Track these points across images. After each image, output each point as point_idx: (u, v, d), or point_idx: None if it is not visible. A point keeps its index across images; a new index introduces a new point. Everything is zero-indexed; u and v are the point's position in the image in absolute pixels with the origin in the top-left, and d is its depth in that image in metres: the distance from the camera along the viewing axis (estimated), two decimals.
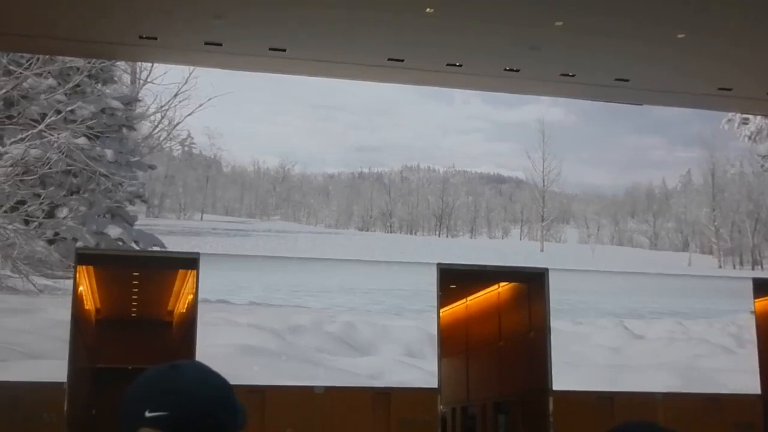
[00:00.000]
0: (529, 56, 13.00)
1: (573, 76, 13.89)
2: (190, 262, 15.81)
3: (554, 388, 15.84)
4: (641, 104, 17.38)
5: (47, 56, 17.44)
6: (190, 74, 17.08)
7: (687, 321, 18.55)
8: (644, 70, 13.66)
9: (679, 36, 12.02)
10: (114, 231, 17.71)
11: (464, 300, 20.56)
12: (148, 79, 18.89)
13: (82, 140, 17.54)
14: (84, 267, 16.81)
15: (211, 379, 1.80)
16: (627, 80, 14.10)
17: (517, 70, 13.69)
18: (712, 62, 13.20)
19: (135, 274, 18.08)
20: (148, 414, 1.71)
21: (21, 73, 17.48)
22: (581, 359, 17.07)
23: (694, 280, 20.61)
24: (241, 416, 1.82)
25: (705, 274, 20.16)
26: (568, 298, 17.64)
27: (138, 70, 19.09)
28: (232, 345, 15.14)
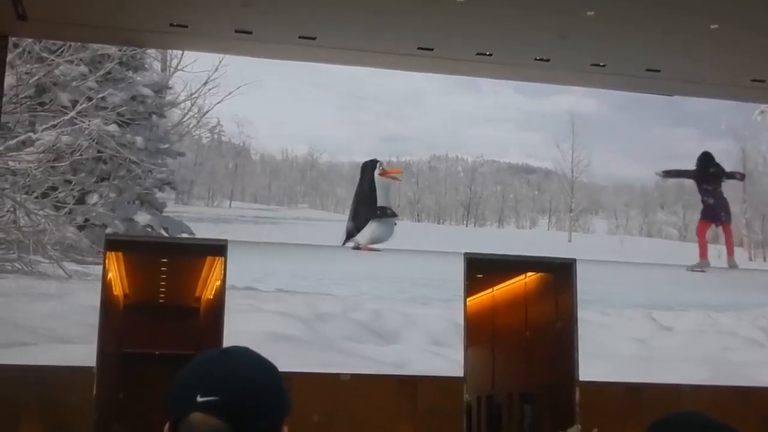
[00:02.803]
0: (560, 46, 12.92)
1: (604, 66, 13.80)
2: (218, 248, 15.88)
3: (581, 378, 15.80)
4: (672, 95, 17.23)
5: (79, 44, 17.55)
6: (220, 62, 17.17)
7: (716, 313, 18.40)
8: (676, 60, 13.55)
9: (713, 27, 11.90)
10: (143, 218, 17.80)
11: (491, 289, 20.53)
12: (179, 67, 18.99)
13: (112, 127, 17.64)
14: (113, 253, 16.93)
15: (262, 364, 1.82)
16: (658, 71, 13.98)
17: (547, 60, 13.62)
18: (746, 53, 13.07)
19: (163, 260, 18.20)
20: (199, 399, 1.72)
21: (53, 60, 17.61)
22: (608, 350, 17.00)
23: (723, 272, 20.43)
24: (289, 402, 1.85)
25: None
26: (595, 289, 17.56)
27: (168, 57, 19.15)
28: (260, 332, 15.21)
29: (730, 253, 18.85)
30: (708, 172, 18.81)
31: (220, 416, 1.71)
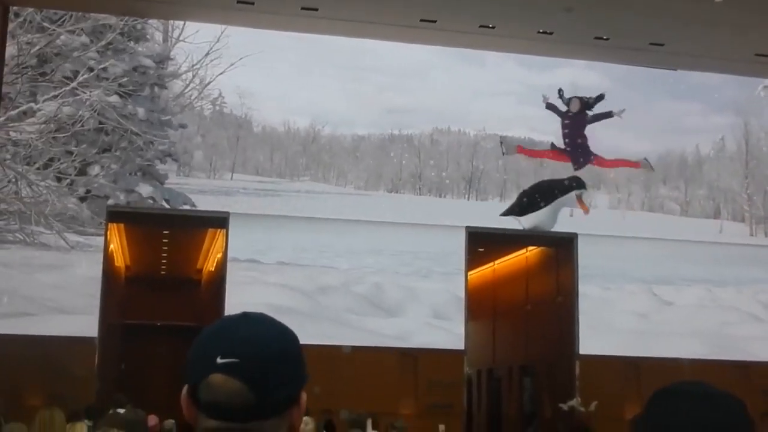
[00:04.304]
0: (563, 19, 12.85)
1: (607, 39, 13.75)
2: (220, 221, 15.91)
3: (581, 352, 15.85)
4: (676, 69, 17.16)
5: (80, 13, 17.46)
6: (222, 33, 16.97)
7: (717, 288, 18.42)
8: (680, 34, 13.48)
9: (717, 0, 11.83)
10: (145, 189, 17.75)
11: (492, 263, 20.56)
12: (180, 38, 18.80)
13: (114, 98, 17.56)
14: (115, 224, 16.95)
15: (282, 330, 1.83)
16: (662, 45, 13.93)
17: (551, 33, 13.56)
18: (750, 28, 13.00)
19: (165, 232, 18.21)
20: (219, 360, 1.73)
21: (54, 30, 17.52)
22: (609, 324, 17.04)
23: (724, 248, 20.42)
24: (306, 370, 1.86)
25: (736, 241, 19.80)
26: (596, 264, 17.56)
27: (170, 28, 18.98)
28: (261, 304, 15.23)
29: (631, 164, 18.58)
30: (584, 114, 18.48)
31: (240, 378, 1.72)
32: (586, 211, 18.10)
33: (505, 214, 17.69)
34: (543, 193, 17.77)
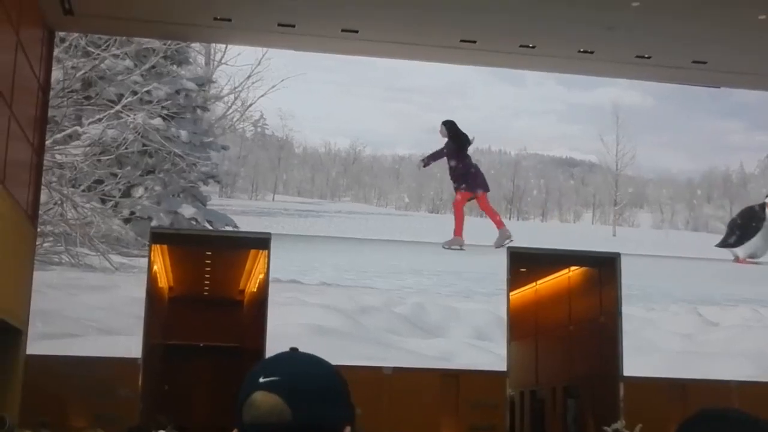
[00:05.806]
0: (604, 38, 12.81)
1: (649, 58, 13.66)
2: (262, 242, 15.99)
3: (625, 373, 15.68)
4: (719, 87, 17.00)
5: (124, 38, 17.70)
6: (263, 55, 17.17)
7: (763, 308, 18.13)
8: (723, 52, 13.37)
9: (760, 17, 11.73)
10: (188, 211, 17.92)
11: (534, 283, 20.43)
12: (222, 61, 19.05)
13: (157, 121, 17.78)
14: (158, 246, 17.11)
15: (328, 365, 1.90)
16: (705, 62, 13.82)
17: (592, 52, 13.51)
18: None
19: (207, 253, 18.34)
20: (261, 380, 1.77)
21: (99, 54, 17.80)
22: (653, 345, 16.83)
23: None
24: (351, 407, 1.89)
25: None
26: (640, 284, 17.37)
27: (212, 51, 19.24)
28: (303, 324, 15.27)
29: (499, 224, 18.21)
30: (459, 141, 18.28)
31: (280, 394, 1.75)
32: None
33: (721, 245, 17.93)
34: (752, 219, 18.06)
